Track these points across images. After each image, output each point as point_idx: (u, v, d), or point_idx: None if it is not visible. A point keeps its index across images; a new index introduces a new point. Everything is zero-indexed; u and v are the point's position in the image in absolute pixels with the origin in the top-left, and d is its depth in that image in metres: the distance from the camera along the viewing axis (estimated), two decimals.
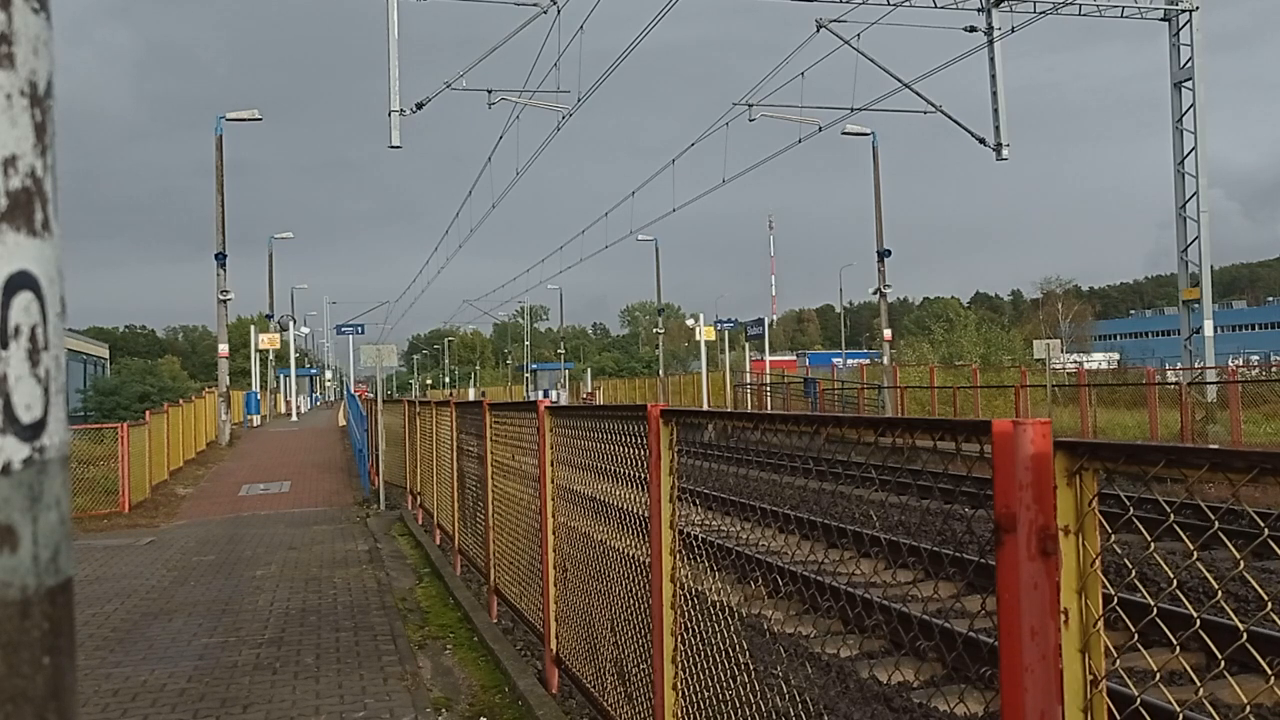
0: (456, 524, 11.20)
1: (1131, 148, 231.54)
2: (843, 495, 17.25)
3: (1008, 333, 58.07)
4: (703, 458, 24.05)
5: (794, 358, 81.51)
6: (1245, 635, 3.20)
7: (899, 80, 27.80)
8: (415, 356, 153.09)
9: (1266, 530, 2.07)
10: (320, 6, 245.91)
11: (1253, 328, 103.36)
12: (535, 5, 23.65)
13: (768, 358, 53.52)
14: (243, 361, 66.17)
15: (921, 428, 2.70)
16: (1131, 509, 2.08)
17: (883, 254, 35.46)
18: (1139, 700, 2.48)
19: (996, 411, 30.91)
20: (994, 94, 29.09)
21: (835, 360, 59.57)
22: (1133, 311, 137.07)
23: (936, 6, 27.47)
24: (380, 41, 24.89)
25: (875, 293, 36.45)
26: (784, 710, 4.96)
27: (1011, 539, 2.10)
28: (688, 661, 4.32)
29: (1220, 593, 3.79)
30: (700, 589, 4.37)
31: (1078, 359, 60.15)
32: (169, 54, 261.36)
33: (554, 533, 6.55)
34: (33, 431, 0.77)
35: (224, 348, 34.95)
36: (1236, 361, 49.19)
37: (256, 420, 46.95)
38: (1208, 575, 8.60)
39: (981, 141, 29.11)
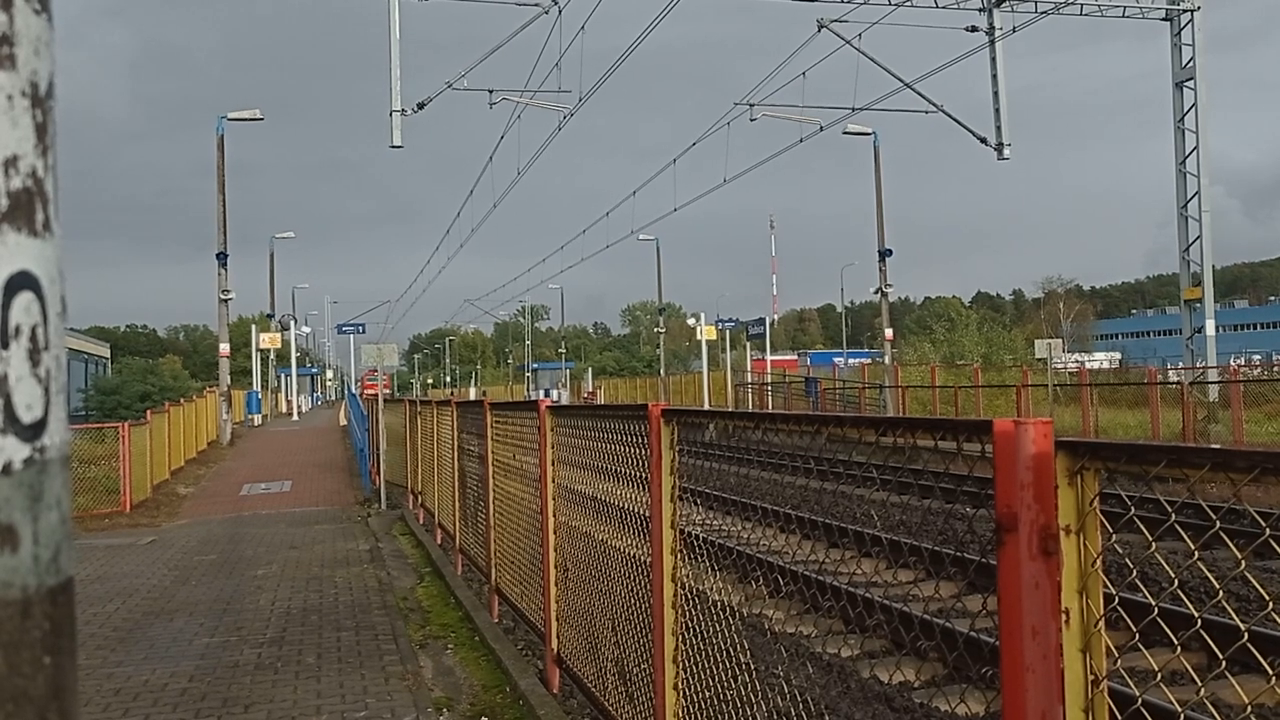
0: (457, 523, 11.20)
1: (1132, 147, 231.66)
2: (844, 495, 17.24)
3: (1009, 332, 58.04)
4: (704, 457, 24.03)
5: (795, 357, 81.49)
6: (1246, 635, 3.19)
7: (900, 80, 27.79)
8: (416, 356, 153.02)
9: (1268, 530, 2.07)
10: (319, 6, 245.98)
11: (1255, 327, 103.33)
12: (536, 5, 23.64)
13: (769, 357, 53.51)
14: (244, 361, 66.13)
15: (923, 427, 2.70)
16: (1133, 509, 2.08)
17: (884, 253, 35.45)
18: (1140, 700, 2.48)
19: (998, 411, 30.90)
20: (995, 94, 29.05)
21: (836, 360, 59.58)
22: (1134, 311, 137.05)
23: (938, 6, 27.43)
24: (381, 41, 24.91)
25: (876, 292, 36.43)
26: (785, 710, 4.96)
27: (1013, 538, 2.10)
28: (689, 661, 4.32)
29: (1221, 592, 3.80)
30: (701, 588, 4.37)
31: (1079, 358, 60.14)
32: (165, 54, 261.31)
33: (555, 532, 6.55)
34: (33, 431, 0.77)
35: (225, 347, 34.96)
36: (1238, 361, 49.17)
37: (257, 419, 46.98)
38: (1209, 575, 8.61)
39: (983, 141, 29.09)
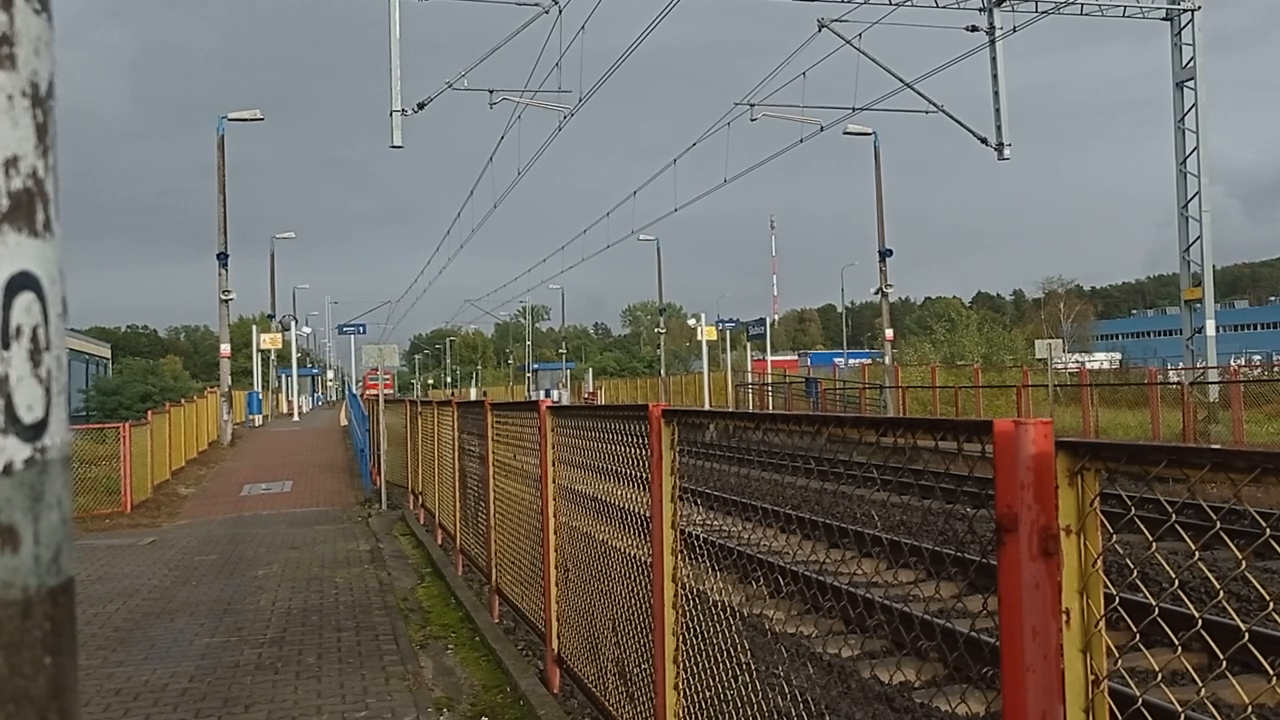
0: (458, 524, 11.20)
1: (1132, 147, 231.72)
2: (844, 495, 17.24)
3: (1009, 332, 58.06)
4: (704, 457, 24.04)
5: (795, 357, 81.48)
6: (1247, 635, 3.19)
7: (900, 80, 27.79)
8: (417, 356, 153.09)
9: (1268, 530, 2.07)
10: (319, 6, 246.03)
11: (1255, 327, 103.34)
12: (537, 5, 23.64)
13: (769, 357, 53.55)
14: (245, 361, 66.17)
15: (923, 428, 2.70)
16: (1133, 509, 2.08)
17: (884, 254, 35.45)
18: (1140, 700, 2.48)
19: (998, 411, 30.90)
20: (995, 94, 29.05)
21: (837, 360, 59.58)
22: (1134, 311, 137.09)
23: (938, 6, 27.43)
24: (381, 41, 24.92)
25: (877, 292, 36.43)
26: (785, 710, 4.96)
27: (1013, 539, 2.10)
28: (689, 661, 4.32)
29: (1222, 593, 3.79)
30: (702, 589, 4.37)
31: (1079, 359, 60.13)
32: (165, 54, 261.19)
33: (555, 532, 6.55)
34: (34, 432, 0.77)
35: (226, 348, 34.96)
36: (1238, 361, 49.18)
37: (258, 420, 46.99)
38: (1209, 575, 8.60)
39: (983, 141, 29.09)
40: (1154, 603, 2.77)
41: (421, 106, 24.90)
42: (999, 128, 28.94)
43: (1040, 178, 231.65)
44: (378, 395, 19.44)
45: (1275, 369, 44.40)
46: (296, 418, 53.40)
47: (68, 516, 0.80)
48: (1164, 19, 28.43)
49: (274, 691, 7.06)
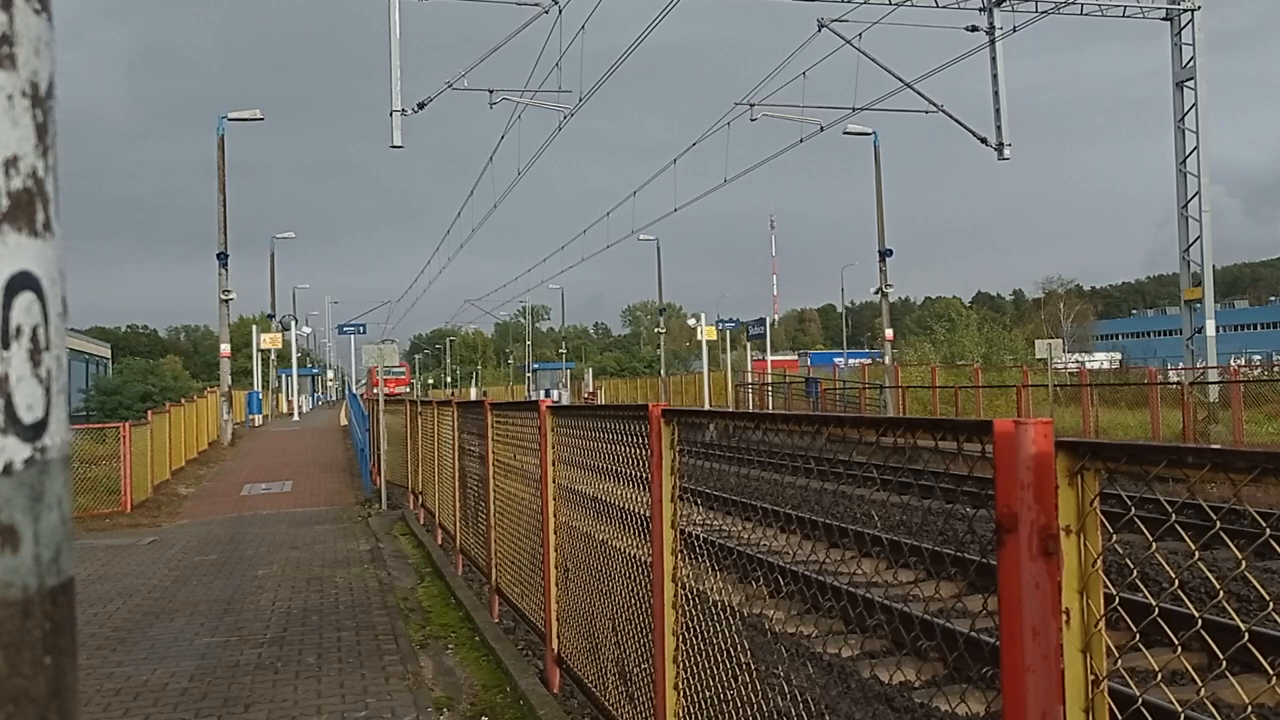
0: (458, 523, 11.20)
1: (1132, 147, 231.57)
2: (844, 495, 17.24)
3: (1009, 332, 58.09)
4: (704, 457, 24.04)
5: (795, 357, 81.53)
6: (1247, 635, 3.19)
7: (900, 80, 27.79)
8: (417, 356, 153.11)
9: (1268, 530, 2.07)
10: (319, 6, 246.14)
11: (1255, 327, 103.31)
12: (537, 5, 23.64)
13: (769, 357, 53.58)
14: (245, 361, 66.11)
15: (923, 427, 2.70)
16: (1133, 509, 2.08)
17: (884, 254, 35.45)
18: (1140, 700, 2.48)
19: (998, 411, 30.89)
20: (995, 93, 29.06)
21: (837, 360, 59.62)
22: (1134, 311, 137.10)
23: (938, 6, 27.43)
24: (381, 41, 24.92)
25: (877, 292, 36.44)
26: (785, 710, 4.95)
27: (1013, 539, 2.10)
28: (689, 661, 4.32)
29: (1222, 593, 3.80)
30: (702, 589, 4.37)
31: (1079, 359, 60.15)
32: (165, 54, 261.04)
33: (555, 532, 6.56)
34: (34, 432, 0.77)
35: (226, 347, 34.96)
36: (1238, 361, 49.18)
37: (258, 420, 46.99)
38: (1209, 575, 8.60)
39: (983, 141, 29.09)
40: (1154, 603, 2.77)
41: (421, 106, 24.91)
42: (999, 128, 28.95)
43: (1040, 178, 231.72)
44: (395, 394, 19.19)
45: (1275, 369, 44.41)
46: (296, 417, 53.37)
47: (68, 516, 0.80)
48: (1164, 19, 28.45)
49: (274, 691, 7.06)
